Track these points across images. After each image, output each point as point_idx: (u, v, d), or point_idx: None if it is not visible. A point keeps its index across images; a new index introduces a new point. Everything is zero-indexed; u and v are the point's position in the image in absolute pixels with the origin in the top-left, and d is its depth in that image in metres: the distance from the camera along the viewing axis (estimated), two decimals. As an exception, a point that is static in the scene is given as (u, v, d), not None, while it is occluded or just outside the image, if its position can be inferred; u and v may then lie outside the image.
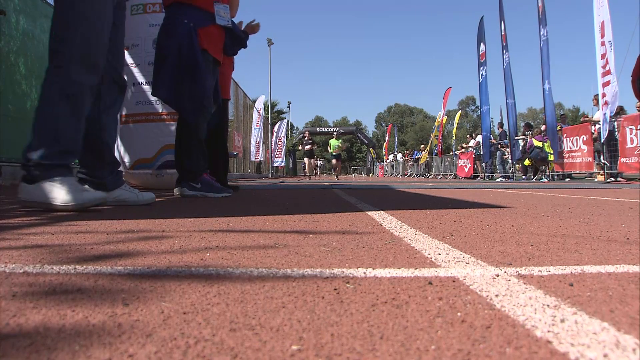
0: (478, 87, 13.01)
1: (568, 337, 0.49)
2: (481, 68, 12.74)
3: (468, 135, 19.22)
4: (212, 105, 3.02)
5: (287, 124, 30.56)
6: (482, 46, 12.81)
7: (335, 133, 18.67)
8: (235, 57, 3.71)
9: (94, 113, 2.20)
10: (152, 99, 4.11)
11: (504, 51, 11.46)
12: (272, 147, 22.47)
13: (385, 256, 0.95)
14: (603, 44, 7.84)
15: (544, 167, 10.33)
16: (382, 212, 1.95)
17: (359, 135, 40.77)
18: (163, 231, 1.31)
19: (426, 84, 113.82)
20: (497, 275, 0.77)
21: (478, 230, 1.35)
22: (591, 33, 8.20)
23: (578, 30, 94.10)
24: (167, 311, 0.57)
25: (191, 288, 0.69)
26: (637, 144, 7.60)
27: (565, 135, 10.02)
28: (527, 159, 10.78)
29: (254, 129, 17.78)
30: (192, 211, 2.03)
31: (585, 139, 9.28)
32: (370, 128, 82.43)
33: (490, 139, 13.01)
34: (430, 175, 19.08)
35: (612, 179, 8.11)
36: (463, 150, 16.02)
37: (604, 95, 7.88)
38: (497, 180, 11.45)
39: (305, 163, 17.12)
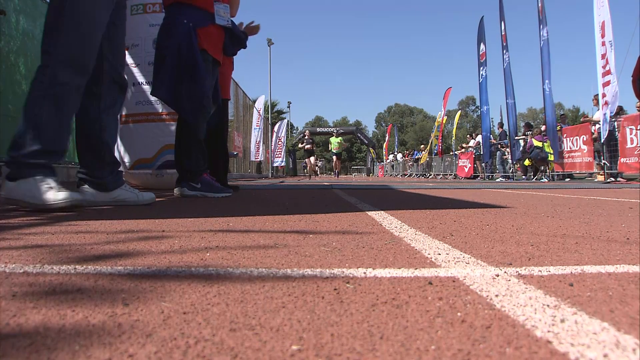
0: (478, 87, 13.01)
1: (568, 337, 0.49)
2: (481, 68, 12.74)
3: (468, 135, 19.22)
4: (211, 105, 3.02)
5: (287, 124, 30.57)
6: (482, 46, 12.81)
7: (335, 132, 18.58)
8: (235, 57, 3.71)
9: (95, 113, 2.20)
10: (152, 99, 4.11)
11: (504, 51, 11.46)
12: (272, 147, 22.46)
13: (385, 256, 0.95)
14: (603, 44, 7.84)
15: (544, 167, 10.33)
16: (382, 212, 1.95)
17: (359, 135, 40.76)
18: (163, 231, 1.31)
19: (426, 84, 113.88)
20: (497, 275, 0.77)
21: (478, 230, 1.35)
22: (591, 33, 8.21)
23: (578, 30, 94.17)
24: (167, 311, 0.57)
25: (191, 288, 0.69)
26: (637, 144, 7.60)
27: (565, 135, 10.03)
28: (527, 159, 10.78)
29: (254, 129, 17.78)
30: (192, 211, 2.03)
31: (585, 139, 9.28)
32: (370, 128, 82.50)
33: (490, 139, 13.01)
34: (430, 175, 19.08)
35: (612, 179, 8.11)
36: (463, 150, 16.03)
37: (604, 95, 7.88)
38: (497, 180, 11.45)
39: (305, 163, 16.97)
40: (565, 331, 0.50)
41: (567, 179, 10.19)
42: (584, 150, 9.32)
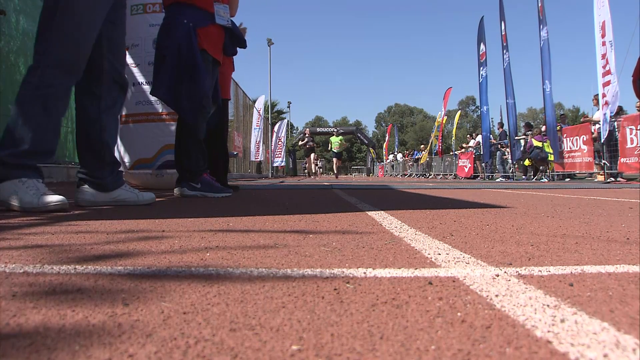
0: (478, 87, 13.01)
1: (568, 337, 0.49)
2: (481, 68, 12.74)
3: (468, 135, 19.22)
4: (211, 105, 3.02)
5: (287, 124, 30.56)
6: (482, 46, 12.81)
7: (335, 131, 18.43)
8: (235, 57, 3.70)
9: (95, 113, 2.19)
10: (152, 99, 4.11)
11: (504, 51, 11.46)
12: (272, 147, 22.46)
13: (385, 256, 0.95)
14: (604, 44, 7.84)
15: (544, 167, 10.34)
16: (382, 212, 1.95)
17: (359, 135, 40.76)
18: (163, 231, 1.31)
19: (426, 84, 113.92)
20: (497, 275, 0.77)
21: (478, 230, 1.35)
22: (591, 33, 8.21)
23: (578, 30, 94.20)
24: (167, 311, 0.57)
25: (191, 288, 0.69)
26: (637, 144, 7.60)
27: (565, 135, 10.03)
28: (527, 159, 10.78)
29: (254, 129, 17.77)
30: (192, 211, 2.03)
31: (585, 139, 9.29)
32: (370, 128, 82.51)
33: (490, 139, 13.01)
34: (430, 175, 19.08)
35: (612, 179, 8.11)
36: (463, 150, 16.03)
37: (604, 95, 7.88)
38: (497, 180, 11.45)
39: (306, 162, 16.70)
40: (565, 331, 0.50)
41: (567, 179, 10.19)
42: (584, 150, 9.32)
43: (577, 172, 9.86)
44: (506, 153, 12.32)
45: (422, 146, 23.67)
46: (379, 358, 0.44)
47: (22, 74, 5.05)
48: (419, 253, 0.98)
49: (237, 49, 3.32)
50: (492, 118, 14.36)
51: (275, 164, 22.97)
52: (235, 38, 3.15)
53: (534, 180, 10.15)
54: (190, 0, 2.82)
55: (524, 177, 11.31)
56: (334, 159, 16.94)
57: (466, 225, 1.49)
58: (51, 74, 1.94)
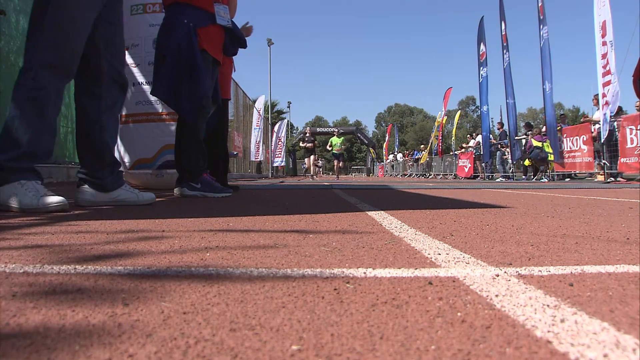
0: (478, 87, 13.01)
1: (568, 337, 0.49)
2: (481, 68, 12.74)
3: (468, 135, 19.21)
4: (211, 105, 3.02)
5: (287, 124, 30.56)
6: (482, 46, 12.81)
7: (336, 131, 18.23)
8: (235, 57, 3.70)
9: (95, 114, 2.19)
10: (152, 99, 4.11)
11: (504, 51, 11.46)
12: (272, 147, 22.46)
13: (385, 256, 0.95)
14: (604, 43, 7.84)
15: (544, 167, 10.34)
16: (382, 212, 1.95)
17: (359, 135, 40.75)
18: (163, 231, 1.31)
19: (426, 84, 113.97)
20: (497, 275, 0.77)
21: (478, 230, 1.35)
22: (591, 33, 8.21)
23: (578, 30, 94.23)
24: (167, 311, 0.57)
25: (191, 288, 0.69)
26: (637, 144, 7.60)
27: (565, 135, 10.03)
28: (527, 159, 10.78)
29: (254, 129, 17.77)
30: (192, 211, 2.03)
31: (585, 139, 9.28)
32: (370, 128, 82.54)
33: (490, 139, 13.01)
34: (430, 175, 19.08)
35: (612, 179, 8.11)
36: (463, 150, 16.02)
37: (604, 95, 7.88)
38: (497, 180, 11.45)
39: (305, 163, 16.32)
40: (565, 331, 0.50)
41: (567, 179, 10.19)
42: (584, 150, 9.32)
43: (577, 172, 9.86)
44: (506, 153, 12.32)
45: (422, 146, 23.66)
46: (379, 358, 0.44)
47: (22, 74, 5.05)
48: (419, 253, 0.98)
49: (237, 49, 3.32)
50: (492, 118, 14.36)
51: (275, 164, 22.97)
52: (235, 38, 3.15)
53: (534, 180, 10.15)
54: (191, 1, 2.82)
55: (524, 177, 11.31)
56: (335, 161, 16.63)
57: (466, 225, 1.49)
58: (44, 76, 1.93)
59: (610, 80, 7.75)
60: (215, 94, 3.10)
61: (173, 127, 3.64)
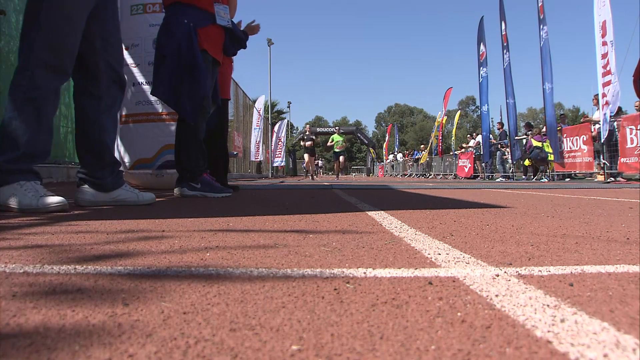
0: (478, 87, 13.01)
1: (568, 337, 0.49)
2: (481, 68, 12.74)
3: (468, 135, 19.21)
4: (211, 106, 3.02)
5: (287, 124, 30.56)
6: (482, 46, 12.81)
7: (337, 129, 17.92)
8: (234, 57, 3.71)
9: (94, 114, 2.19)
10: (152, 99, 4.11)
11: (505, 51, 11.45)
12: (272, 147, 22.46)
13: (385, 256, 0.95)
14: (604, 43, 7.84)
15: (544, 167, 10.34)
16: (382, 212, 1.95)
17: (359, 135, 40.76)
18: (163, 231, 1.31)
19: (426, 84, 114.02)
20: (497, 275, 0.77)
21: (478, 230, 1.35)
22: (591, 33, 8.21)
23: (578, 30, 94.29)
24: (167, 311, 0.57)
25: (191, 288, 0.69)
26: (637, 144, 7.60)
27: (565, 135, 10.03)
28: (527, 159, 10.78)
29: (254, 129, 17.77)
30: (192, 211, 2.03)
31: (585, 139, 9.29)
32: (370, 128, 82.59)
33: (490, 139, 13.01)
34: (430, 175, 19.08)
35: (612, 179, 8.11)
36: (463, 150, 16.02)
37: (604, 95, 7.88)
38: (497, 180, 11.45)
39: (305, 161, 15.74)
40: (565, 331, 0.50)
41: (567, 179, 10.19)
42: (584, 150, 9.32)
43: (577, 172, 9.86)
44: (506, 153, 12.32)
45: (422, 146, 23.66)
46: (379, 358, 0.44)
47: (22, 74, 5.05)
48: (419, 253, 0.98)
49: (237, 49, 3.32)
50: (492, 118, 14.34)
51: (275, 164, 22.97)
52: (235, 38, 3.15)
53: (534, 180, 10.15)
54: (191, 1, 2.82)
55: (524, 177, 11.31)
56: (336, 161, 15.99)
57: (466, 225, 1.49)
58: (40, 76, 1.92)
59: (610, 80, 7.75)
60: (215, 94, 3.10)
61: (173, 127, 3.64)
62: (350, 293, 0.66)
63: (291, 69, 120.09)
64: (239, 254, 0.96)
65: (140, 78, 4.26)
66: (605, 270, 0.81)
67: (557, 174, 10.26)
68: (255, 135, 17.80)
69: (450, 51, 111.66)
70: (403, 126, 71.96)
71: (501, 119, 14.85)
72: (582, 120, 10.82)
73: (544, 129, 10.63)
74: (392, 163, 29.42)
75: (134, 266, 0.84)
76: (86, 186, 2.20)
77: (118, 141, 4.39)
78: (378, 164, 34.46)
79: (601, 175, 8.67)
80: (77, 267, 0.83)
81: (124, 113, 4.32)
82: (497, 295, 0.65)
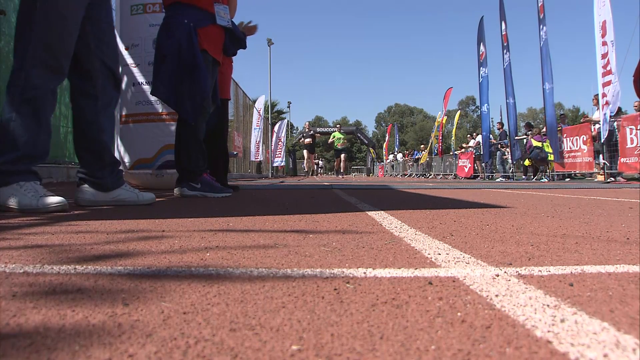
0: (478, 87, 13.01)
1: (568, 337, 0.49)
2: (481, 68, 12.74)
3: (468, 135, 19.21)
4: (211, 106, 3.02)
5: (287, 124, 30.56)
6: (482, 46, 12.81)
7: (338, 127, 17.62)
8: (234, 57, 3.71)
9: (92, 115, 2.18)
10: (152, 99, 4.11)
11: (505, 51, 11.45)
12: (272, 147, 22.46)
13: (385, 256, 0.95)
14: (604, 43, 7.84)
15: (544, 167, 10.34)
16: (382, 212, 1.95)
17: (359, 135, 40.74)
18: (163, 231, 1.31)
19: (426, 84, 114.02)
20: (497, 275, 0.77)
21: (478, 230, 1.35)
22: (591, 33, 8.21)
23: (578, 30, 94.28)
24: (167, 311, 0.57)
25: (191, 288, 0.69)
26: (637, 144, 7.60)
27: (565, 135, 10.03)
28: (527, 159, 10.78)
29: (254, 129, 17.77)
30: (192, 211, 2.03)
31: (585, 139, 9.29)
32: (370, 128, 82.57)
33: (490, 139, 13.01)
34: (430, 175, 19.08)
35: (612, 179, 8.11)
36: (463, 150, 16.01)
37: (604, 95, 7.88)
38: (497, 180, 11.45)
39: (304, 161, 15.36)
40: (565, 331, 0.50)
41: (567, 179, 10.19)
42: (584, 150, 9.32)
43: (577, 172, 9.86)
44: (506, 153, 12.32)
45: (422, 146, 23.66)
46: (379, 358, 0.44)
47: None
48: (419, 253, 0.98)
49: (237, 49, 3.32)
50: (492, 118, 14.34)
51: (275, 164, 22.97)
52: (235, 39, 3.15)
53: (534, 180, 10.15)
54: (191, 1, 2.82)
55: (524, 177, 11.31)
56: (337, 159, 15.60)
57: (466, 225, 1.49)
58: (36, 76, 1.91)
59: (610, 80, 7.75)
60: (214, 94, 3.10)
61: (173, 127, 3.64)
62: (350, 293, 0.66)
63: (291, 69, 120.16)
64: (239, 254, 0.96)
65: (140, 78, 4.26)
66: (605, 270, 0.81)
67: (557, 174, 10.26)
68: (255, 135, 17.80)
69: (450, 51, 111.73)
70: (403, 126, 71.95)
71: (501, 119, 14.86)
72: (582, 120, 10.82)
73: (544, 129, 10.62)
74: (392, 163, 29.42)
75: (134, 266, 0.84)
76: (86, 186, 2.20)
77: (118, 141, 4.39)
78: (378, 164, 34.46)
79: (601, 175, 8.67)
80: (77, 267, 0.83)
81: (124, 113, 4.32)
82: (497, 295, 0.65)
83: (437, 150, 19.36)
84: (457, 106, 64.17)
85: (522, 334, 0.49)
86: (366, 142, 40.02)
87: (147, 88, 4.17)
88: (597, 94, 8.29)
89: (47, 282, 0.72)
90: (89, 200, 2.18)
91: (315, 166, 16.85)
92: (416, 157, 22.95)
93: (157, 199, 2.51)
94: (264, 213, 1.92)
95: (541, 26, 10.05)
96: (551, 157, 10.08)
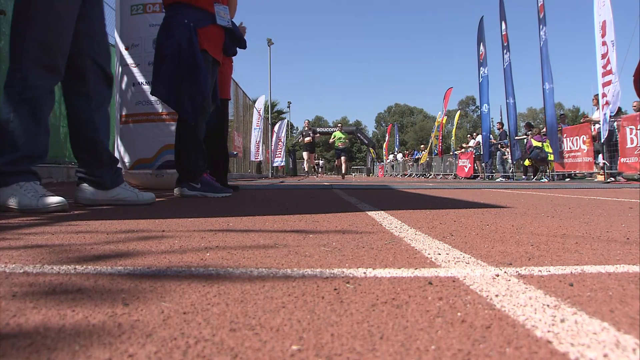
0: (478, 87, 13.01)
1: (568, 337, 0.49)
2: (481, 68, 12.74)
3: (468, 135, 19.21)
4: (211, 106, 3.02)
5: (287, 124, 30.56)
6: (482, 46, 12.81)
7: (340, 126, 17.37)
8: (235, 57, 3.71)
9: (86, 114, 2.17)
10: (152, 99, 4.11)
11: (505, 51, 11.45)
12: (272, 147, 22.46)
13: (385, 256, 0.95)
14: (604, 43, 7.84)
15: (543, 167, 10.34)
16: (382, 212, 1.95)
17: (359, 135, 40.76)
18: (163, 231, 1.31)
19: (426, 84, 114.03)
20: (497, 275, 0.77)
21: (478, 230, 1.35)
22: (591, 33, 8.21)
23: (578, 30, 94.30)
24: (167, 311, 0.57)
25: (191, 288, 0.69)
26: (637, 144, 7.60)
27: (565, 135, 10.03)
28: (527, 159, 10.78)
29: (254, 129, 17.77)
30: (192, 211, 2.03)
31: (585, 139, 9.29)
32: (370, 128, 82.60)
33: (490, 139, 13.01)
34: (430, 175, 19.08)
35: (612, 179, 8.11)
36: (463, 150, 16.01)
37: (604, 95, 7.88)
38: (497, 180, 11.45)
39: (304, 160, 14.99)
40: (565, 331, 0.50)
41: (567, 179, 10.19)
42: (584, 150, 9.32)
43: (577, 172, 9.86)
44: (506, 153, 12.32)
45: (422, 146, 23.66)
46: (379, 358, 0.44)
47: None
48: (419, 253, 0.98)
49: (237, 49, 3.32)
50: (492, 118, 14.33)
51: (275, 164, 22.97)
52: (235, 39, 3.15)
53: (534, 180, 10.15)
54: (191, 1, 2.82)
55: (524, 177, 11.31)
56: (338, 159, 15.31)
57: (466, 225, 1.49)
58: (34, 76, 1.91)
59: (610, 80, 7.74)
60: (214, 94, 3.10)
61: (173, 127, 3.64)
62: (350, 293, 0.66)
63: (291, 69, 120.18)
64: (239, 254, 0.96)
65: (140, 78, 4.26)
66: (605, 270, 0.81)
67: (557, 174, 10.26)
68: (255, 135, 17.80)
69: (450, 51, 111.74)
70: (403, 126, 71.94)
71: (501, 119, 14.85)
72: (582, 120, 10.82)
73: (544, 129, 10.62)
74: (392, 163, 29.42)
75: (134, 266, 0.84)
76: (85, 185, 2.19)
77: (118, 141, 4.39)
78: (378, 164, 34.46)
79: (601, 175, 8.67)
80: (77, 267, 0.83)
81: (124, 113, 4.32)
82: (497, 295, 0.65)
83: (437, 150, 19.37)
84: (457, 106, 64.19)
85: (522, 334, 0.49)
86: (366, 142, 40.04)
87: (147, 88, 4.17)
88: (597, 94, 8.29)
89: (47, 282, 0.72)
90: (88, 199, 2.18)
91: (316, 166, 16.65)
92: (416, 157, 22.95)
93: (157, 199, 2.51)
94: (264, 213, 1.92)
95: (541, 26, 10.05)
96: (551, 157, 10.08)
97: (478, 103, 15.11)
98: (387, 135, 37.01)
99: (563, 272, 0.79)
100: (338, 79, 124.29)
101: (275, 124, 24.44)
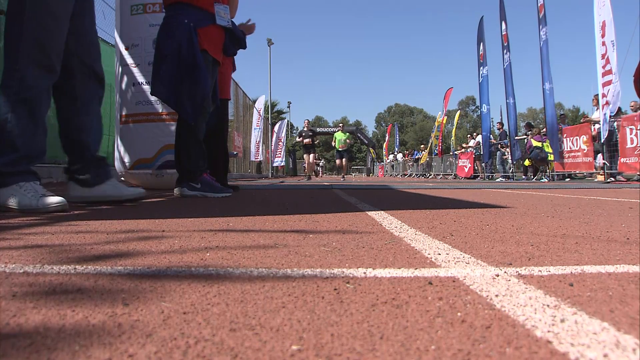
0: (478, 87, 13.01)
1: (568, 337, 0.49)
2: (481, 68, 12.74)
3: (468, 135, 19.21)
4: (211, 106, 3.02)
5: (287, 124, 30.56)
6: (481, 46, 12.81)
7: (341, 126, 17.07)
8: (235, 57, 3.71)
9: (69, 113, 2.16)
10: (152, 99, 4.11)
11: (505, 51, 11.45)
12: (272, 147, 22.47)
13: (385, 256, 0.95)
14: (604, 43, 7.84)
15: (543, 167, 10.34)
16: (382, 212, 1.95)
17: (359, 135, 40.71)
18: (163, 231, 1.31)
19: (426, 84, 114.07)
20: (497, 275, 0.77)
21: (478, 230, 1.35)
22: (591, 33, 8.21)
23: (578, 30, 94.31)
24: (167, 311, 0.57)
25: (191, 288, 0.69)
26: (637, 144, 7.60)
27: (565, 135, 10.03)
28: (527, 159, 10.78)
29: (254, 129, 17.78)
30: (192, 211, 2.03)
31: (585, 139, 9.28)
32: (370, 128, 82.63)
33: (490, 139, 13.01)
34: (430, 175, 19.08)
35: (612, 179, 8.11)
36: (463, 150, 16.01)
37: (604, 95, 7.88)
38: (497, 180, 11.45)
39: (305, 161, 14.85)
40: (565, 331, 0.50)
41: (567, 179, 10.19)
42: (584, 150, 9.32)
43: (577, 172, 9.86)
44: (506, 153, 12.32)
45: (422, 146, 23.66)
46: (379, 358, 0.44)
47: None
48: (419, 253, 0.98)
49: (237, 49, 3.32)
50: (492, 118, 14.33)
51: (275, 164, 22.98)
52: (235, 39, 3.15)
53: (534, 180, 10.15)
54: (191, 0, 2.82)
55: (524, 177, 11.31)
56: (338, 160, 15.20)
57: (466, 225, 1.49)
58: (30, 75, 1.90)
59: (610, 80, 7.74)
60: (214, 94, 3.10)
61: (173, 127, 3.64)
62: (350, 293, 0.66)
63: (291, 69, 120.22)
64: (239, 254, 0.96)
65: (140, 78, 4.26)
66: (605, 270, 0.81)
67: (557, 174, 10.26)
68: (255, 135, 17.81)
69: (450, 51, 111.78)
70: (403, 126, 71.94)
71: (501, 119, 14.85)
72: (582, 120, 10.82)
73: (544, 129, 10.62)
74: (392, 163, 29.43)
75: (134, 266, 0.84)
76: (72, 182, 2.20)
77: (118, 141, 4.39)
78: (378, 164, 34.47)
79: (601, 175, 8.67)
80: (77, 267, 0.83)
81: (124, 113, 4.32)
82: (497, 295, 0.65)
83: (437, 150, 19.37)
84: (457, 106, 64.19)
85: (522, 334, 0.49)
86: (366, 142, 40.02)
87: (147, 88, 4.17)
88: (597, 94, 8.29)
89: (47, 282, 0.72)
90: (75, 197, 2.19)
91: (316, 166, 16.57)
92: (416, 157, 22.96)
93: (157, 199, 2.51)
94: (264, 213, 1.92)
95: (541, 26, 10.05)
96: (551, 157, 10.07)
97: (478, 103, 15.11)
98: (387, 135, 37.02)
99: (563, 272, 0.79)
100: (338, 79, 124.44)
101: (275, 124, 24.45)
